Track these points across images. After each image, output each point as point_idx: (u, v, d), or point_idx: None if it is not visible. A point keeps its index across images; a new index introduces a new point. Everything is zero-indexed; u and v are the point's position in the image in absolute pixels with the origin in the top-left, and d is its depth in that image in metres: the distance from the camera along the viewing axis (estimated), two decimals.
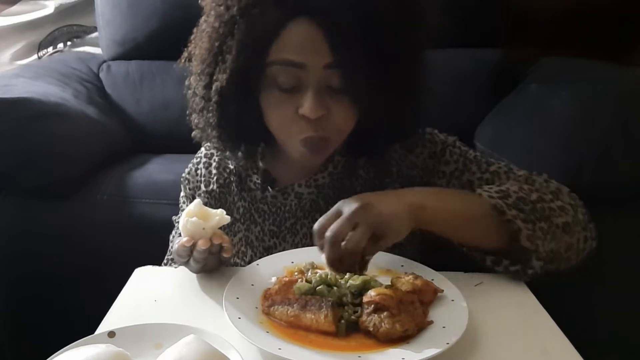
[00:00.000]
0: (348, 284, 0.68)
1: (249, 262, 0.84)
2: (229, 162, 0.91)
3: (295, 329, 0.63)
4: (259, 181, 0.88)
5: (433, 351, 0.57)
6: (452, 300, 0.67)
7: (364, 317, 0.62)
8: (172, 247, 0.94)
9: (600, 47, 1.50)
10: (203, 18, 0.79)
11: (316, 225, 0.67)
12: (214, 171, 0.92)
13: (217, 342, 0.57)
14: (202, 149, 0.95)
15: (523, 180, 0.81)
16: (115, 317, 0.69)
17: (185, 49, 0.83)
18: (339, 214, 0.66)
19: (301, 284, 0.68)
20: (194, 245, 0.71)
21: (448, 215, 0.73)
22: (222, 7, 0.75)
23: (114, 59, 1.72)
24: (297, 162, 0.81)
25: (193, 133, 0.86)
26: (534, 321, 0.68)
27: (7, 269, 1.28)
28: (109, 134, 1.50)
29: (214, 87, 0.77)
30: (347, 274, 0.71)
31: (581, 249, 0.77)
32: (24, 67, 1.68)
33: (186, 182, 0.95)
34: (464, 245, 0.77)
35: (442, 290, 0.68)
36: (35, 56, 1.92)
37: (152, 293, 0.75)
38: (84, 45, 1.94)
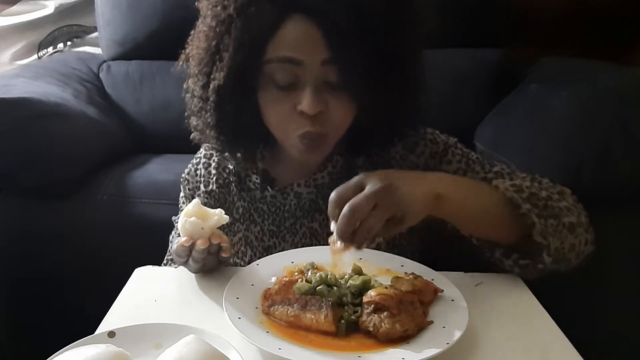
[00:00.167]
0: (348, 284, 0.68)
1: (249, 262, 0.85)
2: (229, 162, 0.91)
3: (295, 329, 0.63)
4: (258, 181, 0.88)
5: (433, 351, 0.57)
6: (452, 300, 0.67)
7: (364, 317, 0.62)
8: (171, 247, 0.94)
9: (600, 47, 1.50)
10: (200, 20, 0.80)
11: (334, 194, 0.65)
12: (213, 171, 0.92)
13: (217, 342, 0.57)
14: (202, 149, 0.95)
15: (529, 180, 0.81)
16: (115, 317, 0.69)
17: (183, 51, 0.83)
18: (360, 186, 0.64)
19: (301, 284, 0.68)
20: (192, 245, 0.71)
21: (465, 205, 0.73)
22: (218, 7, 0.75)
23: (114, 59, 1.72)
24: (296, 160, 0.81)
25: (192, 135, 0.86)
26: (534, 321, 0.68)
27: (7, 269, 1.28)
28: (109, 134, 1.50)
29: (211, 87, 0.77)
30: (347, 274, 0.71)
31: (581, 251, 0.77)
32: (24, 67, 1.68)
33: (186, 182, 0.95)
34: (475, 236, 0.77)
35: (442, 290, 0.68)
36: (35, 56, 1.91)
37: (152, 293, 0.75)
38: (84, 45, 1.93)
